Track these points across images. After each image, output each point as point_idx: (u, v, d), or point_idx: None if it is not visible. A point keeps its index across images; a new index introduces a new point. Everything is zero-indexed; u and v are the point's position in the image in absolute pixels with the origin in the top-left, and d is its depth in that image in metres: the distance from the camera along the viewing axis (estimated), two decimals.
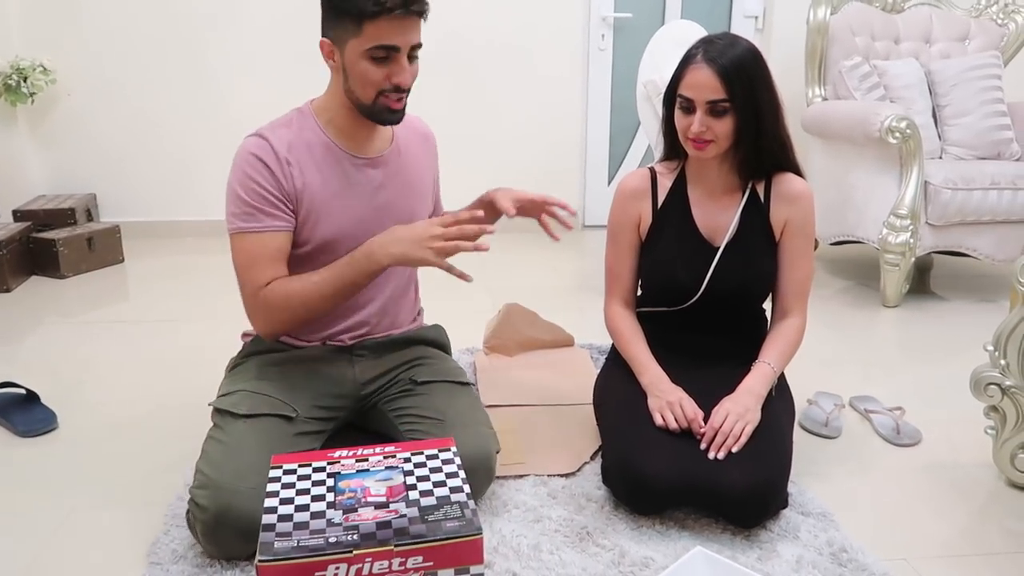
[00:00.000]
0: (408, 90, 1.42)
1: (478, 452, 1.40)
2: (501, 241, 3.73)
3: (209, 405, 1.47)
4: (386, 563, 1.01)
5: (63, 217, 3.31)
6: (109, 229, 3.31)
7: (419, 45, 1.39)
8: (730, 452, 1.40)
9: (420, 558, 1.02)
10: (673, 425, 1.45)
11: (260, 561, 0.98)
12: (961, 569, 1.35)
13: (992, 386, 1.57)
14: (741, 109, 1.46)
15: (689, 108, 1.48)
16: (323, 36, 1.39)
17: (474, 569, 1.05)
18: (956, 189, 2.68)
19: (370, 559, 1.00)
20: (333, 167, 1.47)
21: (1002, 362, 1.55)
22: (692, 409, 1.47)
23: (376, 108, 1.40)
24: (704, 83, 1.45)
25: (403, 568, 1.02)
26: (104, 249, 3.27)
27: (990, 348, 1.57)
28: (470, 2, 3.73)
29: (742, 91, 1.44)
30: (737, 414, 1.44)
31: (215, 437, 1.37)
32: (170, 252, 3.50)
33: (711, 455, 1.40)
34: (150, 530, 1.40)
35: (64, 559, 1.35)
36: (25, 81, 3.39)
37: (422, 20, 1.38)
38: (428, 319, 1.78)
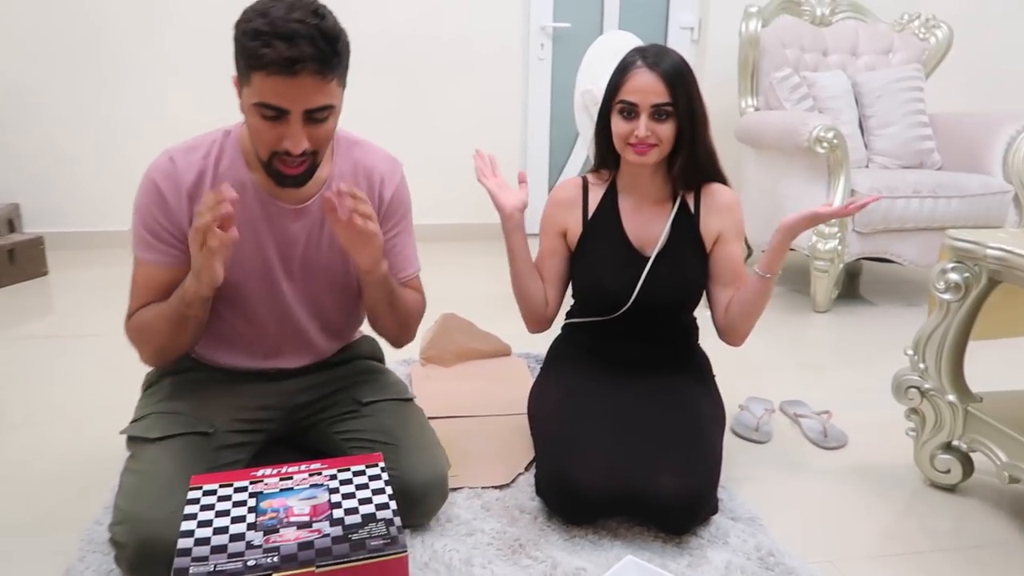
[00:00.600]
0: (311, 153, 1.22)
1: (434, 476, 1.37)
2: (439, 250, 3.74)
3: (121, 434, 1.41)
4: None
5: None
6: (32, 240, 3.19)
7: (323, 108, 1.18)
8: (662, 460, 1.41)
9: None
10: None
11: None
12: (885, 569, 1.38)
13: (912, 389, 1.62)
14: (682, 113, 1.49)
15: (632, 113, 1.50)
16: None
17: None
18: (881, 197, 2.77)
19: None
20: (245, 209, 1.31)
21: (921, 366, 1.60)
22: None
23: (271, 169, 1.24)
24: (649, 87, 1.47)
25: None
26: (27, 261, 3.15)
27: (910, 352, 1.63)
28: (410, 10, 3.72)
29: (683, 95, 1.48)
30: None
31: (129, 468, 1.30)
32: (97, 264, 3.38)
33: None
34: (65, 557, 1.34)
35: None
36: None
37: (328, 80, 1.16)
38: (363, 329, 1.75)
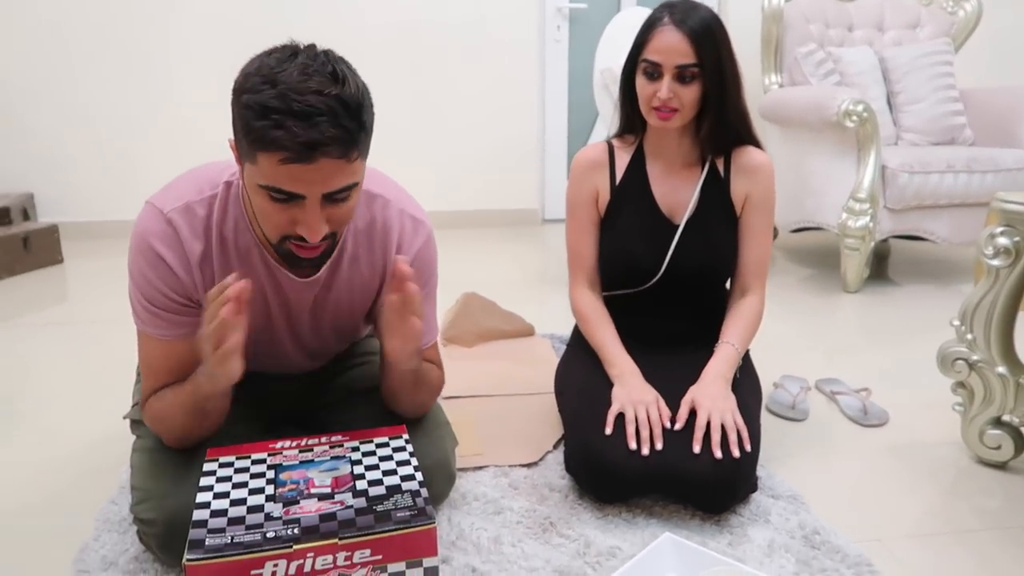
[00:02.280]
0: (330, 235, 1.04)
1: (438, 458, 1.28)
2: (460, 236, 3.68)
3: (124, 418, 1.36)
4: (330, 558, 0.92)
5: None
6: (46, 229, 3.16)
7: (345, 188, 0.99)
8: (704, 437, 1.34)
9: (368, 551, 0.94)
10: (631, 428, 1.34)
11: (188, 560, 0.89)
12: (934, 548, 1.31)
13: (959, 361, 1.54)
14: (709, 75, 1.41)
15: (655, 74, 1.42)
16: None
17: (427, 562, 0.97)
18: (913, 172, 2.68)
19: (312, 554, 0.92)
20: (252, 275, 1.14)
21: (969, 336, 1.53)
22: (657, 414, 1.37)
23: (282, 251, 1.06)
24: (673, 47, 1.39)
25: (349, 563, 0.93)
26: (41, 250, 3.12)
27: (956, 323, 1.55)
28: None
29: (711, 55, 1.40)
30: (718, 410, 1.35)
31: (140, 449, 1.24)
32: (111, 252, 3.34)
33: (717, 454, 1.30)
34: (79, 536, 1.29)
35: None
36: None
37: (352, 159, 0.98)
38: None
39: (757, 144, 1.56)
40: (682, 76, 1.41)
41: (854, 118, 2.59)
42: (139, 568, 1.19)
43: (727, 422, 1.34)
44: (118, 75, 3.53)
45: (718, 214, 1.54)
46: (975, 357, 1.52)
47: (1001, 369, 1.50)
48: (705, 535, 1.30)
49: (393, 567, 0.95)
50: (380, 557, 0.94)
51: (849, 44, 3.27)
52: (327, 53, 0.99)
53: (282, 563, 0.91)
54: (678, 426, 1.36)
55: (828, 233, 2.88)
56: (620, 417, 1.38)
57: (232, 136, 1.02)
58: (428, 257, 1.27)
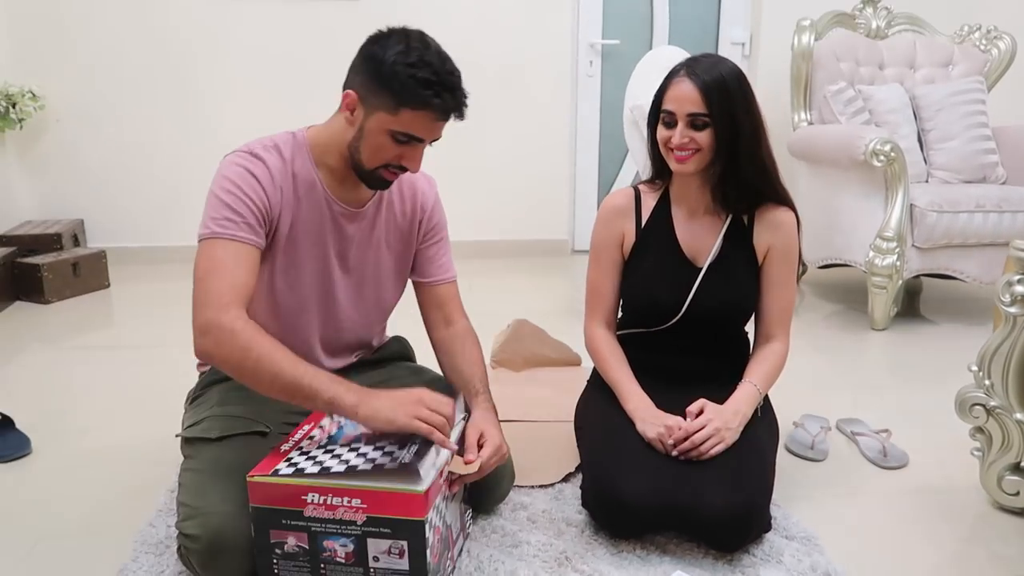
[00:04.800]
0: None
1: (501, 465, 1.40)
2: (490, 267, 3.75)
3: (176, 436, 1.44)
4: (340, 499, 1.14)
5: (48, 242, 3.30)
6: (95, 254, 3.30)
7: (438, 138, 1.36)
8: (712, 473, 1.37)
9: (358, 500, 1.13)
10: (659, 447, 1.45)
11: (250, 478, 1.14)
12: None
13: (977, 407, 1.55)
14: (719, 125, 1.46)
15: (671, 122, 1.49)
16: (349, 88, 1.31)
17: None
18: (942, 212, 2.68)
19: (330, 494, 1.14)
20: (314, 209, 1.40)
21: (987, 382, 1.54)
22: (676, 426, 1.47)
23: (373, 176, 1.35)
24: (685, 96, 1.46)
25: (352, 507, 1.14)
26: (89, 274, 3.25)
27: (974, 368, 1.56)
28: (458, 28, 3.76)
29: (721, 107, 1.45)
30: (716, 428, 1.44)
31: (190, 468, 1.32)
32: (157, 278, 3.48)
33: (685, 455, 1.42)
34: (119, 557, 1.36)
35: None
36: (14, 107, 3.40)
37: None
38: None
39: (781, 200, 1.59)
40: (694, 124, 1.47)
41: (881, 157, 2.61)
42: None
43: (708, 445, 1.42)
44: (166, 109, 3.69)
45: (740, 260, 1.59)
46: (993, 403, 1.53)
47: (1019, 415, 1.50)
48: (717, 574, 1.33)
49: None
50: (366, 506, 1.13)
51: (880, 82, 3.29)
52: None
53: (315, 495, 1.14)
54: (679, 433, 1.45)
55: (856, 269, 2.89)
56: (638, 450, 1.43)
57: (351, 89, 1.30)
58: (441, 208, 1.58)
